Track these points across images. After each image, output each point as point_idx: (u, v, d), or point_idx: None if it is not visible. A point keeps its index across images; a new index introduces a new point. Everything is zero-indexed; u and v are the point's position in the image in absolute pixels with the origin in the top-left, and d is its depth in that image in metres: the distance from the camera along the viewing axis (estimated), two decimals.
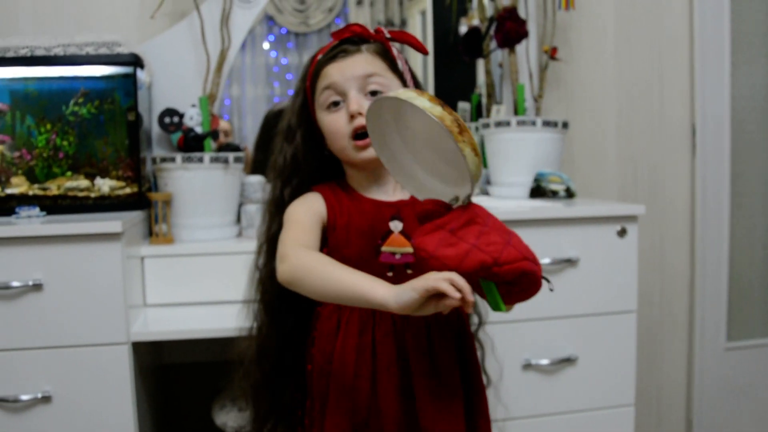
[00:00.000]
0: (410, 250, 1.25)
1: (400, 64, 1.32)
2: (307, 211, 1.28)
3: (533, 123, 2.03)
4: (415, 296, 0.97)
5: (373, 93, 1.26)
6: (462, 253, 0.98)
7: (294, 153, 1.33)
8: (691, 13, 2.49)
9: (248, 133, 2.41)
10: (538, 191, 2.01)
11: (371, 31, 1.30)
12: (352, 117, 1.25)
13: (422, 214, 1.07)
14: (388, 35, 1.32)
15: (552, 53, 2.19)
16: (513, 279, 0.99)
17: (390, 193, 1.33)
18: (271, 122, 2.31)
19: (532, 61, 2.23)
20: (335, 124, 1.27)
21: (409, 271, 1.26)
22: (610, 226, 1.79)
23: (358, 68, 1.26)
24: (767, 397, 2.67)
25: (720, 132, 2.53)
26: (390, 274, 1.25)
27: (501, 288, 1.01)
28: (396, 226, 1.27)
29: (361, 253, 1.26)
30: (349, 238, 1.26)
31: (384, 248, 1.26)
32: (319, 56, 1.30)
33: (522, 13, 2.18)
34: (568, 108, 2.42)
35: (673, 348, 2.59)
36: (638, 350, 1.88)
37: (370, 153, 1.25)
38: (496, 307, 1.02)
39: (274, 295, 1.36)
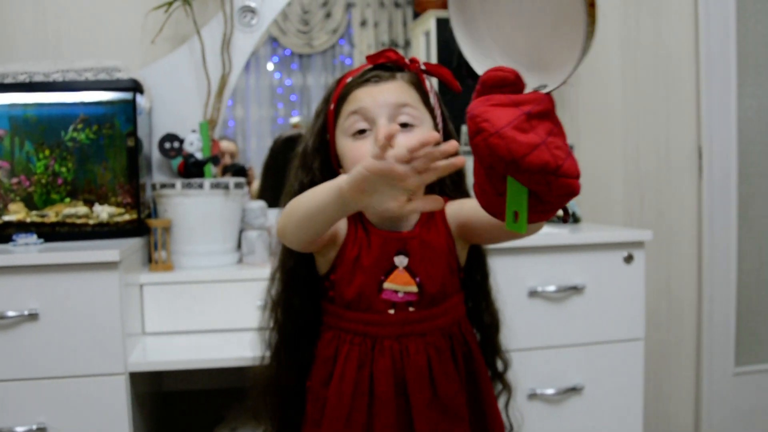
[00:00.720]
0: (414, 289, 1.22)
1: (432, 98, 1.26)
2: None
3: None
4: (364, 173, 0.86)
5: (403, 125, 1.18)
6: (531, 145, 0.79)
7: (311, 181, 1.26)
8: (697, 35, 2.47)
9: (252, 155, 2.39)
10: None
11: (406, 60, 1.24)
12: None
13: (493, 81, 0.85)
14: (423, 67, 1.25)
15: None
16: (556, 194, 0.83)
17: (402, 224, 1.26)
18: (279, 149, 2.29)
19: None
20: (358, 153, 1.18)
21: (411, 309, 1.22)
22: (616, 252, 1.76)
23: (391, 96, 1.19)
24: None
25: (727, 154, 2.51)
26: (391, 312, 1.22)
27: (530, 201, 0.85)
28: (401, 261, 1.23)
29: (362, 291, 1.22)
30: (353, 276, 1.22)
31: (386, 285, 1.22)
32: (348, 79, 1.24)
33: None
34: (574, 131, 2.40)
35: (681, 374, 2.55)
36: (645, 377, 1.84)
37: None
38: (513, 223, 0.86)
39: (286, 323, 1.33)
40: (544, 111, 0.83)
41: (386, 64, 1.24)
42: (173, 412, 2.20)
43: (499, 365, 1.45)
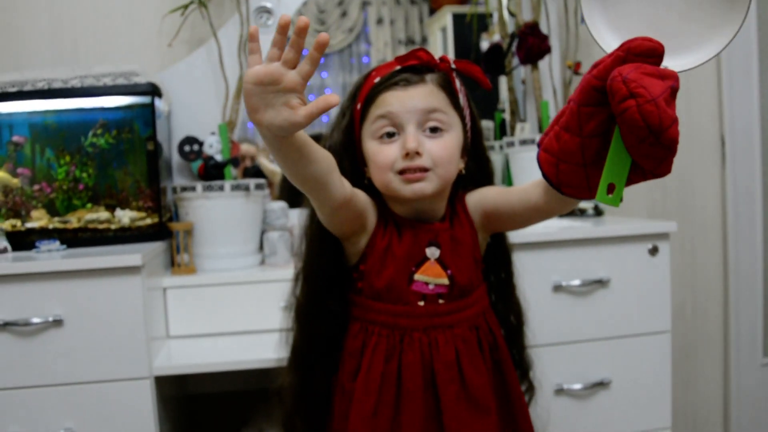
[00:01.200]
0: (445, 281, 1.22)
1: (462, 98, 1.25)
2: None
3: None
4: (246, 87, 0.89)
5: (433, 130, 1.18)
6: (674, 119, 0.83)
7: None
8: None
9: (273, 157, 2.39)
10: None
11: (436, 59, 1.23)
12: (406, 155, 1.16)
13: (642, 50, 0.86)
14: (453, 66, 1.25)
15: (576, 68, 2.14)
16: (660, 171, 0.89)
17: (431, 216, 1.27)
18: None
19: (556, 76, 2.19)
20: (384, 157, 1.19)
21: (441, 302, 1.22)
22: (641, 244, 1.74)
23: (420, 101, 1.18)
24: None
25: (750, 142, 2.47)
26: (421, 303, 1.22)
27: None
28: (433, 253, 1.23)
29: (392, 281, 1.21)
30: (384, 266, 1.22)
31: (417, 276, 1.22)
32: (377, 79, 1.22)
33: (544, 28, 2.14)
34: None
35: (708, 366, 2.52)
36: (672, 369, 1.82)
37: (421, 188, 1.18)
38: (606, 195, 0.90)
39: (314, 321, 1.32)
40: (678, 89, 0.86)
41: (415, 65, 1.22)
42: (199, 415, 2.21)
43: (524, 364, 1.45)
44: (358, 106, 1.24)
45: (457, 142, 1.22)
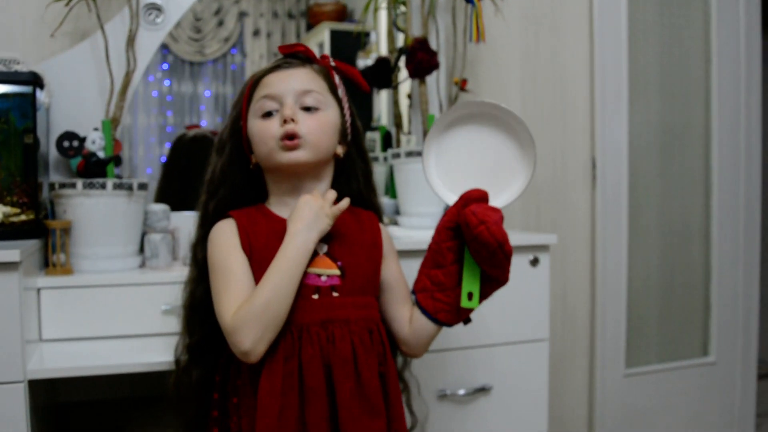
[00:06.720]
0: (336, 272, 1.25)
1: (341, 91, 1.33)
2: (230, 251, 1.25)
3: None
4: (329, 222, 1.23)
5: (308, 108, 1.26)
6: (506, 236, 1.18)
7: (222, 165, 1.32)
8: (592, 53, 2.58)
9: (139, 162, 2.32)
10: None
11: (317, 56, 1.32)
12: (284, 122, 1.23)
13: (477, 197, 1.24)
14: (333, 63, 1.34)
15: (462, 85, 2.21)
16: (503, 273, 1.24)
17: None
18: (183, 149, 2.23)
19: (443, 92, 2.24)
20: (266, 129, 1.26)
21: (335, 294, 1.24)
22: (522, 255, 1.81)
23: (298, 81, 1.27)
24: (665, 421, 2.75)
25: (618, 164, 2.62)
26: (315, 296, 1.22)
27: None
28: (321, 248, 1.26)
29: None
30: (270, 260, 1.21)
31: (310, 269, 1.23)
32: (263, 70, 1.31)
33: (432, 45, 2.20)
34: None
35: (575, 377, 2.63)
36: None
37: (297, 156, 1.25)
38: (468, 301, 1.24)
39: (196, 313, 1.34)
40: (503, 218, 1.21)
41: (298, 55, 1.32)
42: (68, 425, 2.09)
43: (399, 362, 1.47)
44: (245, 94, 1.31)
45: (333, 122, 1.31)
